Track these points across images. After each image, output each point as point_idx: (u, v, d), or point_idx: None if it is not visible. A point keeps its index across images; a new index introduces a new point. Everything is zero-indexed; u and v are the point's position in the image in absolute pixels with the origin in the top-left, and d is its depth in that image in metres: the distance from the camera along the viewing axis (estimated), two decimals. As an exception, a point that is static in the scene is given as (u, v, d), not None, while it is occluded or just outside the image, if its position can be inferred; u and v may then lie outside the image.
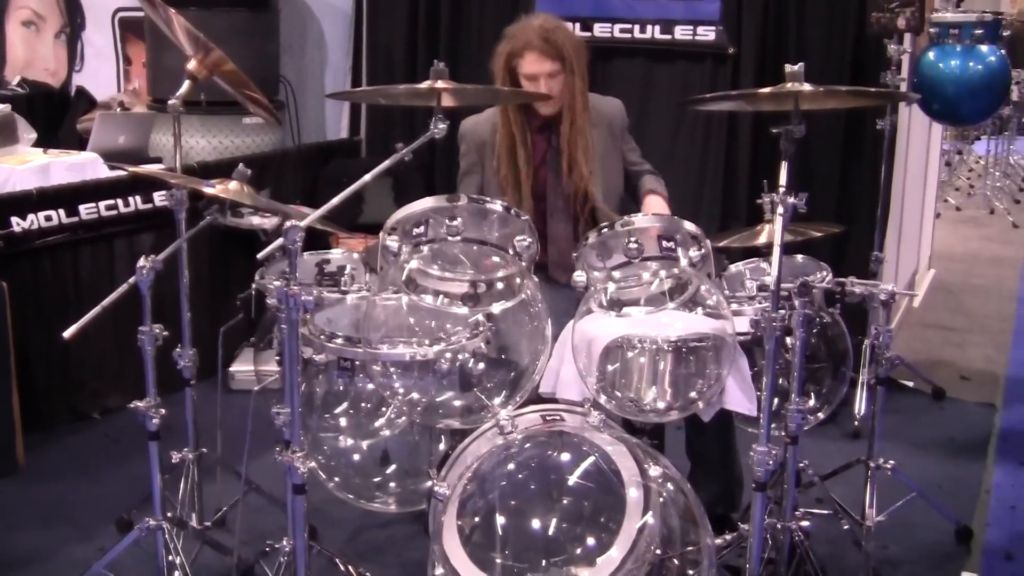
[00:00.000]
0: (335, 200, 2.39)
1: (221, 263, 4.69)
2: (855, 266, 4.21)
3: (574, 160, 3.28)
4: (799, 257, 3.30)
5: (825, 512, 3.23)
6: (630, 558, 2.36)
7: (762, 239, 3.07)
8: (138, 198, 4.28)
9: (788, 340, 2.64)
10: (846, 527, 3.17)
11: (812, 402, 2.99)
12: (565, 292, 2.86)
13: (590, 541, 2.41)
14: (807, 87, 2.52)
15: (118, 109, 5.53)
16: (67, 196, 4.09)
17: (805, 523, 2.78)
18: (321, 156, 5.44)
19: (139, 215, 4.30)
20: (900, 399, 4.35)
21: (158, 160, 4.87)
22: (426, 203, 2.63)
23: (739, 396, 2.80)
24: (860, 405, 4.18)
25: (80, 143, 4.94)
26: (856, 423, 4.11)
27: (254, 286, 3.24)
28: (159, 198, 4.29)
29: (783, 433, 2.68)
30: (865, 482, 3.21)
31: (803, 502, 3.16)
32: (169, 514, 2.92)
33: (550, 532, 2.43)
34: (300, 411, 2.38)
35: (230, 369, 4.48)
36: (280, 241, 2.34)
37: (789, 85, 2.53)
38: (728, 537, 2.84)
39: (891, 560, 3.19)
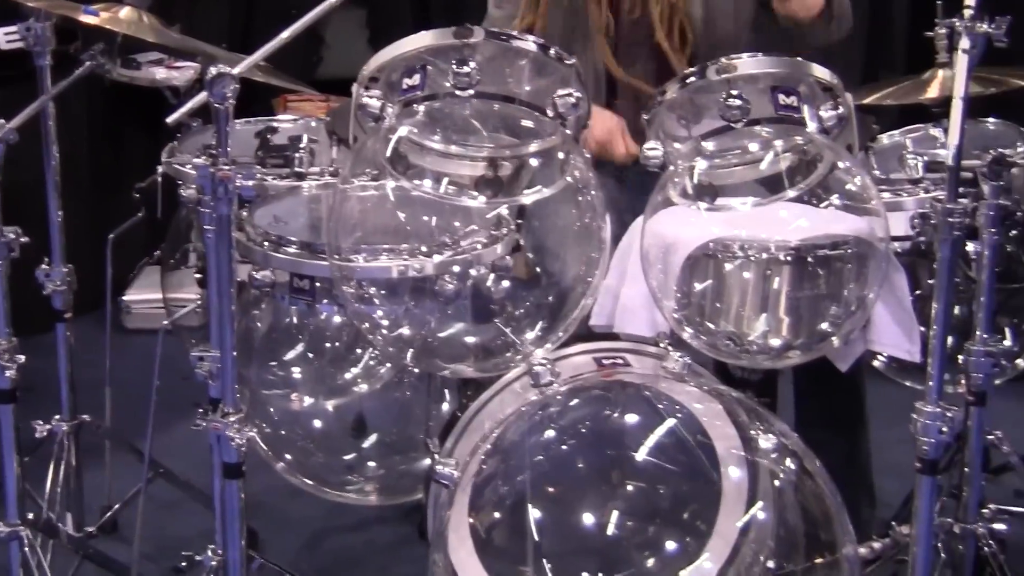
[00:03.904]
0: (282, 35, 2.39)
1: (108, 136, 4.73)
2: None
3: None
4: (990, 121, 3.29)
5: (1028, 511, 3.25)
6: (729, 572, 2.40)
7: (931, 92, 3.07)
8: (-35, 34, 4.30)
9: (971, 247, 2.63)
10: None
11: (1007, 343, 3.00)
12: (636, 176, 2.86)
13: (669, 546, 2.46)
14: None
15: None
16: None
17: (998, 526, 2.80)
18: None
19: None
20: None
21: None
22: (422, 39, 2.60)
23: (894, 332, 2.82)
24: (1082, 349, 4.19)
25: None
26: (1076, 376, 4.12)
27: (160, 170, 3.27)
28: (5, 35, 4.31)
29: (962, 389, 2.69)
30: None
31: (994, 494, 3.16)
32: (31, 516, 2.96)
33: (608, 533, 2.47)
34: (234, 356, 2.41)
35: (124, 298, 4.57)
36: (201, 97, 2.35)
37: None
38: (877, 545, 2.87)
39: None
